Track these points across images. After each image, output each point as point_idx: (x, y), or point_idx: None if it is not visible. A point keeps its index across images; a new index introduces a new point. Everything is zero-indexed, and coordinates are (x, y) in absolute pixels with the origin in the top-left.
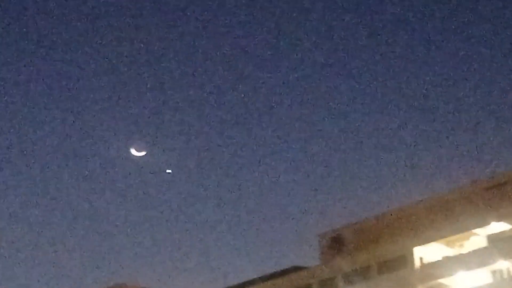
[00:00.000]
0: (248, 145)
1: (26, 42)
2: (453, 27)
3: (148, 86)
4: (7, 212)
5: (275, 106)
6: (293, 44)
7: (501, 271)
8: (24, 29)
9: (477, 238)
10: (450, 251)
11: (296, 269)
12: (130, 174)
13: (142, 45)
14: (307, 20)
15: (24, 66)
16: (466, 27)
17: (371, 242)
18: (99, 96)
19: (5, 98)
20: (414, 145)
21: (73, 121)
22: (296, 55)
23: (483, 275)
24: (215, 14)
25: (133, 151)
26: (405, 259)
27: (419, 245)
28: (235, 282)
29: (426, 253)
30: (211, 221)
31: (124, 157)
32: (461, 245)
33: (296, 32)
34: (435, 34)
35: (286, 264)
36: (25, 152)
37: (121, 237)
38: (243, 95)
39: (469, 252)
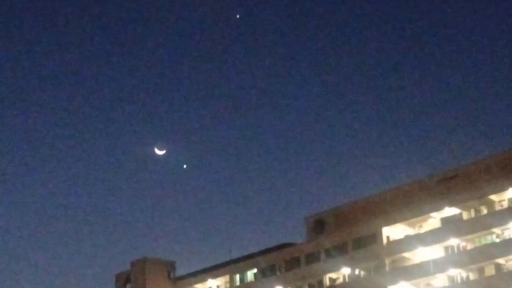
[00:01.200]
0: (251, 142)
1: (51, 40)
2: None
3: (167, 87)
4: (47, 201)
5: (276, 106)
6: (301, 44)
7: (452, 247)
8: (48, 27)
9: (433, 220)
10: (411, 231)
11: (286, 245)
12: (153, 170)
13: (163, 48)
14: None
15: (54, 68)
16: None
17: (348, 223)
18: (124, 98)
19: (35, 97)
20: (380, 142)
21: (102, 123)
22: (299, 55)
23: (438, 250)
24: (228, 15)
25: (156, 150)
26: (375, 237)
27: (387, 225)
28: (235, 256)
29: (392, 232)
30: (218, 207)
31: (149, 155)
32: (420, 226)
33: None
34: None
35: (277, 241)
36: (64, 153)
37: (143, 220)
38: (250, 97)
39: (427, 231)
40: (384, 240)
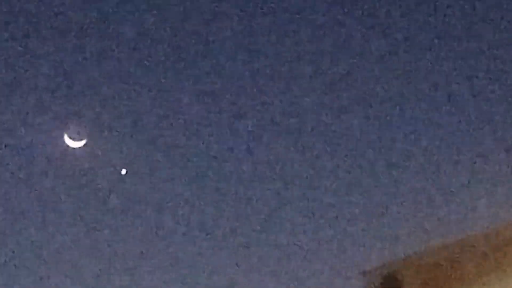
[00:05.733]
0: (247, 139)
1: None
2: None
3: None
4: None
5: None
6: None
7: None
8: None
9: None
10: None
11: None
12: (65, 170)
13: None
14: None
15: None
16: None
17: (448, 283)
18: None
19: None
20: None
21: None
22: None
23: None
24: None
25: (67, 140)
26: None
27: None
28: None
29: None
30: (190, 253)
31: (56, 147)
32: None
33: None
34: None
35: None
36: None
37: (58, 248)
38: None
39: None
40: None
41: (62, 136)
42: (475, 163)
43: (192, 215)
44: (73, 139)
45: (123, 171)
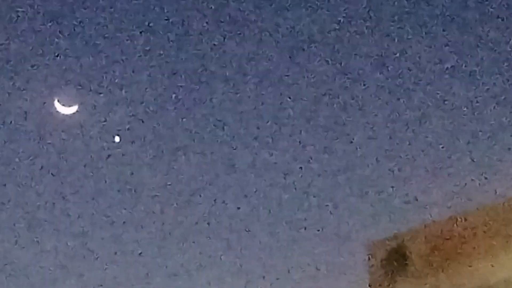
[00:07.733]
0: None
1: None
2: None
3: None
4: None
5: None
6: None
7: None
8: None
9: None
10: None
11: None
12: (55, 138)
13: None
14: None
15: None
16: None
17: (456, 257)
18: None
19: None
20: None
21: None
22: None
23: None
24: None
25: (58, 105)
26: None
27: None
28: None
29: None
30: (190, 214)
31: (46, 112)
32: None
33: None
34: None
35: None
36: None
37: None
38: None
39: None
40: None
41: (52, 102)
42: (484, 132)
43: (189, 182)
44: (64, 103)
45: (117, 139)
